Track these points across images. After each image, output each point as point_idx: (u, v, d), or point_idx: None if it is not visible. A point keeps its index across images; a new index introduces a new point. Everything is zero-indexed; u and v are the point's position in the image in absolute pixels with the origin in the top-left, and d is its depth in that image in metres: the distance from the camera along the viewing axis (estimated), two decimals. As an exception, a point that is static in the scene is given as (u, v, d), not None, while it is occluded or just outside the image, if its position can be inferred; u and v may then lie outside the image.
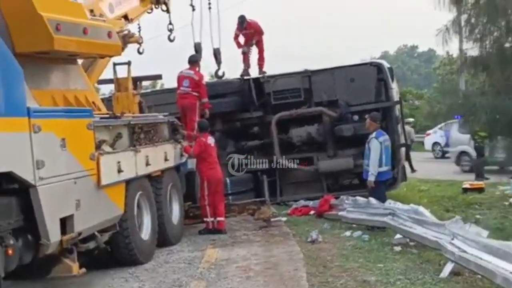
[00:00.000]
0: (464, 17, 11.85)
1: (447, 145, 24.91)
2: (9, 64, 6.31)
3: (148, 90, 17.54)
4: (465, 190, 15.40)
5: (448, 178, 18.56)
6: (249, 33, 15.02)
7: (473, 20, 11.34)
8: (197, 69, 12.25)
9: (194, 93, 11.93)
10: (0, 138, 5.89)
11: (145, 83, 17.08)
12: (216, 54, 14.65)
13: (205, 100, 12.08)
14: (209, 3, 14.63)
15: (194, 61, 12.24)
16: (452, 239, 7.00)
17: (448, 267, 6.97)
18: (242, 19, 14.91)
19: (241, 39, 15.13)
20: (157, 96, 13.94)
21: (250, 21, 15.04)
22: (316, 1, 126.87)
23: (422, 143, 29.11)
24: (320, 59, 42.52)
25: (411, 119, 24.80)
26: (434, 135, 28.27)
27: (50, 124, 6.79)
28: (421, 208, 8.67)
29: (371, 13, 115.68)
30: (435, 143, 28.34)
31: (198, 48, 14.46)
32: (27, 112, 6.42)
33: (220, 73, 15.09)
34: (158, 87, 30.33)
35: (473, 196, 14.72)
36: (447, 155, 24.77)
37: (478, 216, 11.73)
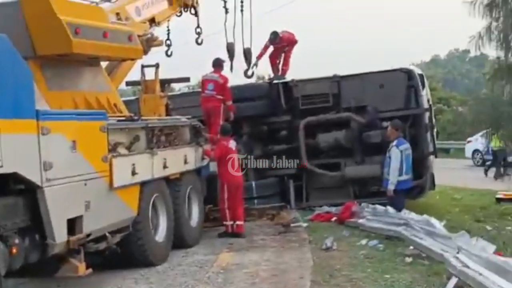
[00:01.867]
0: (495, 25, 11.69)
1: (488, 152, 24.40)
2: (18, 67, 6.43)
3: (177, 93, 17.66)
4: (499, 200, 14.94)
5: (484, 187, 18.09)
6: (281, 46, 14.98)
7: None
8: (221, 72, 12.30)
9: (219, 96, 11.97)
10: (7, 139, 6.01)
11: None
12: (246, 54, 14.67)
13: (230, 102, 12.12)
14: (242, 6, 14.68)
15: (218, 64, 12.27)
16: (457, 252, 6.88)
17: (452, 282, 6.81)
18: (274, 35, 14.72)
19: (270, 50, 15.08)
20: (185, 98, 14.02)
21: (283, 34, 14.91)
22: (367, 3, 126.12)
23: (463, 150, 28.57)
24: (371, 59, 41.75)
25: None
26: (475, 143, 27.58)
27: (60, 126, 6.91)
28: (433, 219, 8.52)
29: (423, 17, 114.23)
30: (476, 151, 27.73)
31: (230, 48, 14.50)
32: (36, 114, 6.57)
33: (249, 73, 15.00)
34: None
35: (506, 207, 14.31)
36: (487, 163, 24.25)
37: (508, 228, 11.43)
